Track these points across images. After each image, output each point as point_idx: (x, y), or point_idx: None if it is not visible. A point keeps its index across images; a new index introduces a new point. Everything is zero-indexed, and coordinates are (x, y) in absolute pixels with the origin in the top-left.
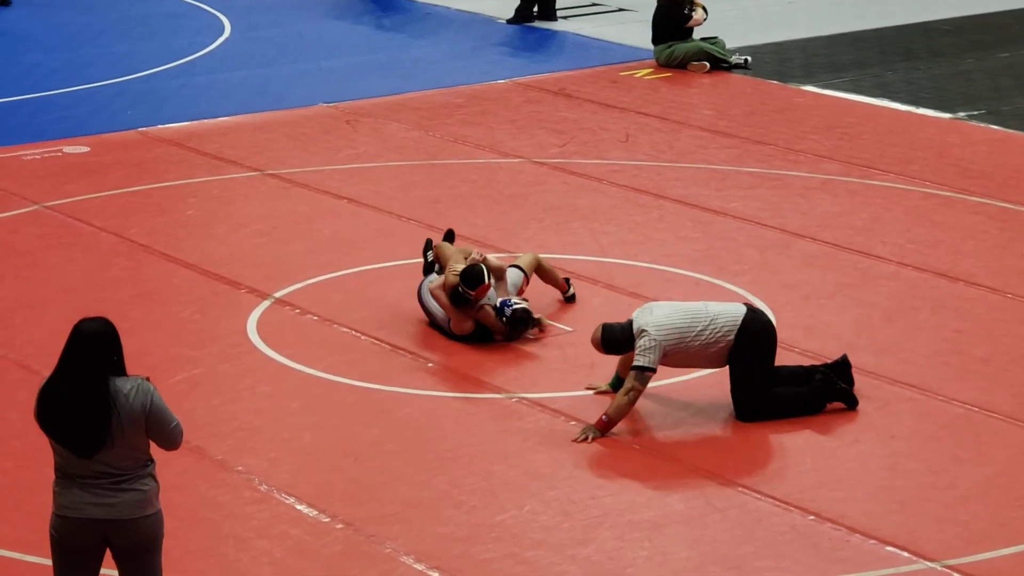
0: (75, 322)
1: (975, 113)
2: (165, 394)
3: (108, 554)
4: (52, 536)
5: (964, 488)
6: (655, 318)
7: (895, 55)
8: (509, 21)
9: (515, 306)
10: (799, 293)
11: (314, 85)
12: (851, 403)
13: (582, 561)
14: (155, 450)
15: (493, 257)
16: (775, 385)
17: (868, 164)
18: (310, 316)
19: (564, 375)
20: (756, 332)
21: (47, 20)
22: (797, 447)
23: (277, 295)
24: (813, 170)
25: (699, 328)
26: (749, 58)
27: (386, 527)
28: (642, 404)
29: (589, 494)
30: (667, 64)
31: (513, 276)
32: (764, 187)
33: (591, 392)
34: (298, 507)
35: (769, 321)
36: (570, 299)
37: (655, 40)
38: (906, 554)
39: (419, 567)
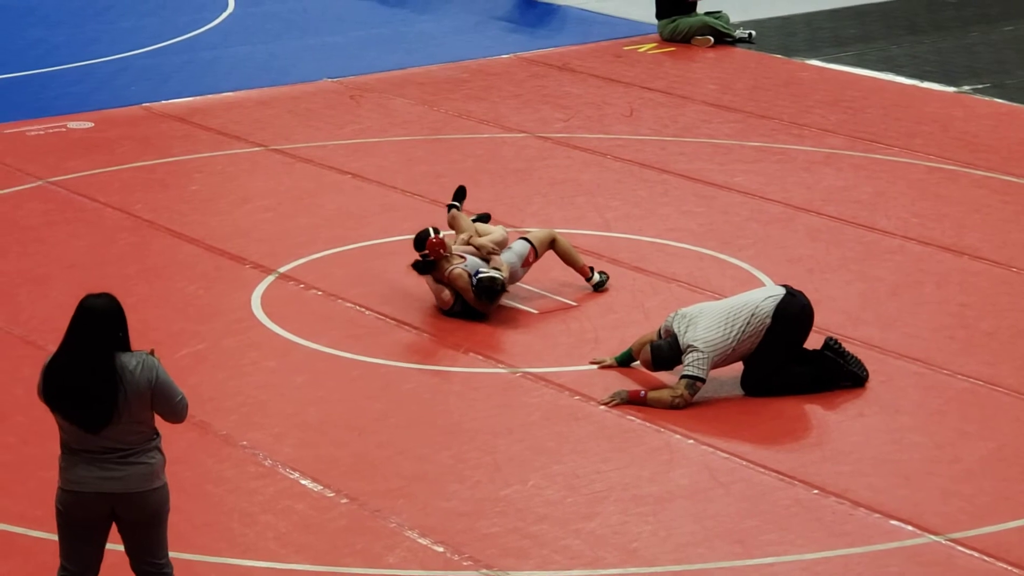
0: (80, 297)
1: (980, 86)
2: (170, 369)
3: (114, 528)
4: (58, 510)
5: (969, 462)
6: (700, 333)
7: (900, 28)
8: None
9: (482, 274)
10: (803, 267)
11: (318, 60)
12: (858, 383)
13: (587, 535)
14: (160, 424)
15: (499, 232)
16: (786, 364)
17: (873, 138)
18: (314, 291)
19: (569, 350)
20: (792, 314)
21: None
22: (802, 421)
23: (281, 270)
24: (817, 144)
25: (741, 325)
26: (753, 32)
27: (390, 502)
28: (647, 378)
29: (593, 468)
30: (671, 38)
31: (518, 247)
32: (768, 161)
33: (595, 367)
34: (303, 482)
35: (807, 304)
36: (598, 287)
37: (659, 15)
38: (910, 528)
39: (424, 541)
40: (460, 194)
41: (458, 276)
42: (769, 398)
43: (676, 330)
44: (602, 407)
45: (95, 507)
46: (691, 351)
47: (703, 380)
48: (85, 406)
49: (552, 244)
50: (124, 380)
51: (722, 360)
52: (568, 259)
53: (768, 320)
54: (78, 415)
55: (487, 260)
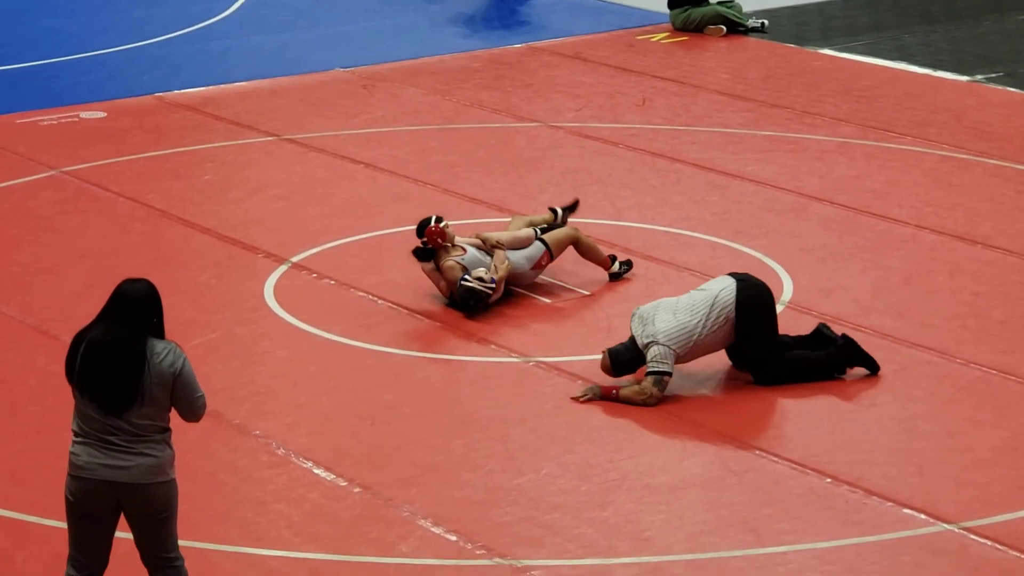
0: (93, 287)
1: (993, 75)
2: None
3: (123, 520)
4: (67, 499)
5: (982, 451)
6: (660, 326)
7: (913, 17)
8: None
9: (465, 282)
10: (816, 256)
11: (330, 50)
12: (873, 368)
13: (599, 524)
14: (173, 416)
15: (520, 231)
16: (790, 349)
17: (885, 127)
18: (327, 280)
19: (581, 339)
20: (753, 297)
21: None
22: (814, 410)
23: (294, 260)
24: (830, 133)
25: (702, 318)
26: (766, 21)
27: (403, 491)
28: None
29: (607, 457)
30: (683, 28)
31: (530, 250)
32: (781, 150)
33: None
34: (315, 471)
35: (762, 283)
36: (615, 276)
37: (671, 4)
38: (923, 516)
39: (436, 530)
40: (570, 207)
41: (449, 268)
42: (781, 387)
43: (634, 331)
44: (573, 400)
45: (101, 495)
46: (652, 346)
47: (669, 374)
48: (110, 387)
49: (574, 244)
50: (151, 364)
51: (688, 352)
52: (591, 256)
53: (732, 312)
54: (102, 396)
55: (490, 254)
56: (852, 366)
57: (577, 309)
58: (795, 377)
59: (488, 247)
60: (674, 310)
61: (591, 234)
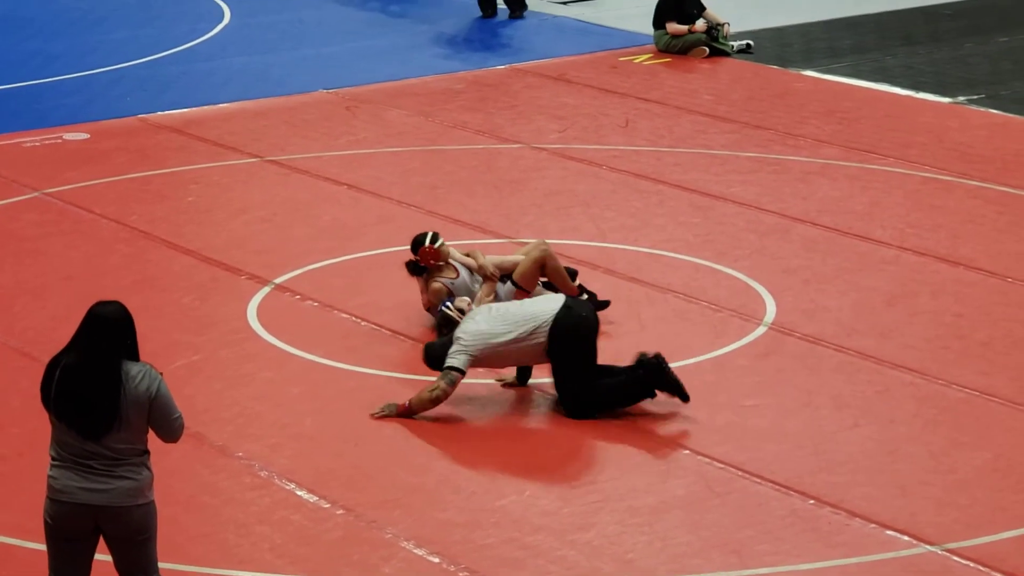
0: (76, 309)
1: (974, 97)
2: (166, 380)
3: (103, 543)
4: (46, 523)
5: (964, 472)
6: (467, 326)
7: (894, 40)
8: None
9: (446, 310)
10: (799, 278)
11: (314, 71)
12: (682, 395)
13: (583, 546)
14: (154, 437)
15: (514, 259)
16: (599, 378)
17: (867, 148)
18: (310, 302)
19: None
20: (570, 326)
21: (48, 6)
22: (797, 431)
23: (277, 281)
24: (812, 155)
25: (513, 330)
26: (751, 42)
27: (386, 512)
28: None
29: (589, 479)
30: (667, 49)
31: (504, 290)
32: (763, 172)
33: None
34: (298, 493)
35: (586, 315)
36: None
37: (655, 25)
38: (906, 538)
39: (420, 552)
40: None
41: (435, 292)
42: (762, 410)
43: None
44: (371, 416)
45: (80, 518)
46: (456, 340)
47: (461, 371)
48: (87, 412)
49: (541, 270)
50: (126, 388)
51: (489, 358)
52: (556, 279)
53: (544, 337)
54: (79, 421)
55: (481, 281)
56: (659, 390)
57: None
58: (599, 406)
59: (482, 275)
60: (497, 316)
61: (574, 255)
